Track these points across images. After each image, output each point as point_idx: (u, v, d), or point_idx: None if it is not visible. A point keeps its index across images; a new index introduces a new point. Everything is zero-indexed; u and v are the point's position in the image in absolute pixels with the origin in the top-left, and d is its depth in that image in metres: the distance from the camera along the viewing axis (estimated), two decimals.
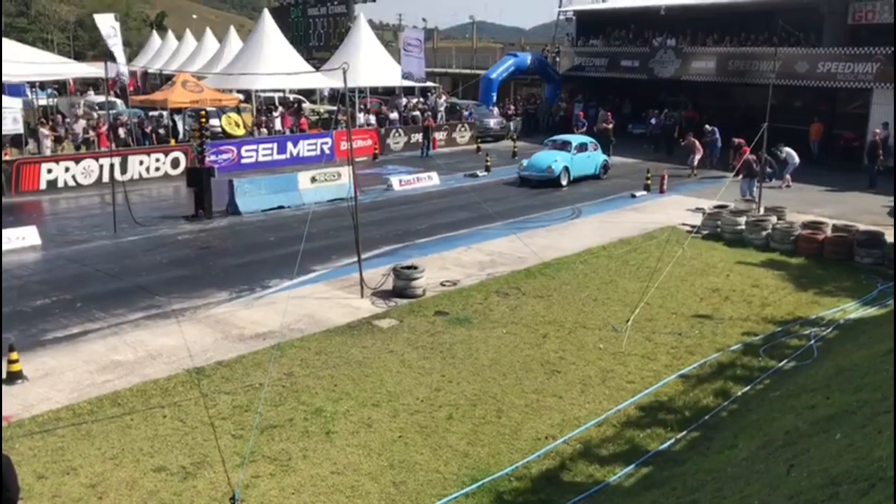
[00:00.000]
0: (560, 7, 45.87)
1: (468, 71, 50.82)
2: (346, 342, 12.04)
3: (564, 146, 26.32)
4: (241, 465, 8.25)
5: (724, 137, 28.29)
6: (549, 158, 25.51)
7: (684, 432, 9.28)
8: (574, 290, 14.59)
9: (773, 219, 18.59)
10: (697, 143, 27.88)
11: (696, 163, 27.68)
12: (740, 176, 22.35)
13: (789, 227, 17.96)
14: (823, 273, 15.98)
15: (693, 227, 18.88)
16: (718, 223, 18.96)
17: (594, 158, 26.75)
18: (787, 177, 25.08)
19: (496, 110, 40.03)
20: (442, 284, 14.86)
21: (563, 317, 13.23)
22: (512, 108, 42.26)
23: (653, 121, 34.14)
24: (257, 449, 8.63)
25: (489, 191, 24.78)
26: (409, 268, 14.49)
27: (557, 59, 44.44)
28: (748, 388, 10.55)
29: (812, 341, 12.10)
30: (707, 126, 29.75)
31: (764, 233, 18.04)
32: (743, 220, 18.62)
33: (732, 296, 14.51)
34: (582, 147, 26.40)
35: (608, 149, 31.73)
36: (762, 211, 19.95)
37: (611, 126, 31.74)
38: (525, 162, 26.12)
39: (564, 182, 25.26)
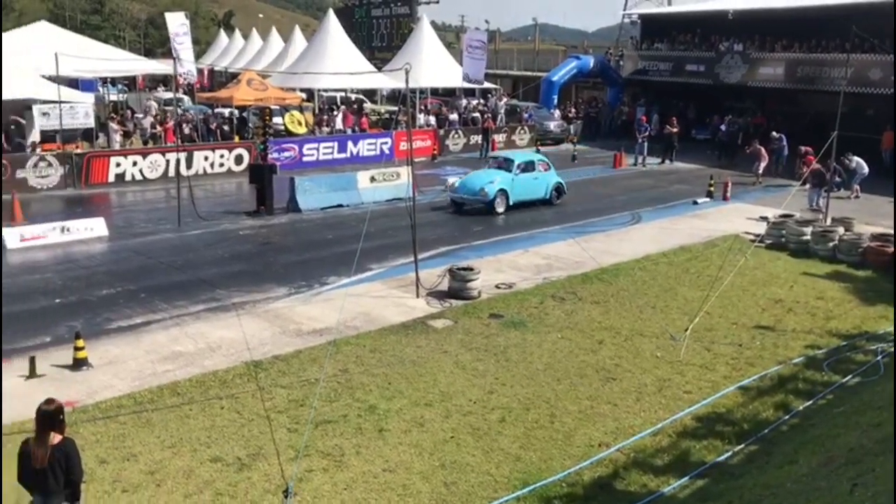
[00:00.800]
0: (625, 10, 45.44)
1: (529, 73, 50.64)
2: (400, 341, 12.09)
3: (506, 165, 22.26)
4: (296, 458, 8.35)
5: (790, 145, 27.60)
6: (484, 179, 21.68)
7: (742, 445, 9.07)
8: (632, 296, 14.39)
9: (841, 230, 18.05)
10: (763, 150, 27.26)
11: (761, 170, 27.06)
12: (808, 185, 21.76)
13: (857, 238, 17.42)
14: (891, 287, 15.44)
15: (757, 235, 18.44)
16: (783, 233, 18.49)
17: (544, 180, 22.56)
18: (856, 187, 24.34)
19: (557, 113, 39.79)
20: (497, 287, 14.82)
21: (620, 323, 13.07)
22: (573, 110, 41.97)
23: (722, 127, 33.41)
24: (311, 443, 8.73)
25: None
26: (464, 269, 14.49)
27: (620, 62, 43.97)
28: (810, 402, 10.25)
29: (878, 357, 11.69)
30: (774, 133, 29.09)
31: (830, 244, 17.53)
32: (809, 230, 18.11)
33: (796, 307, 14.13)
34: (528, 167, 22.24)
35: (671, 154, 31.35)
36: (829, 221, 19.39)
37: (675, 131, 31.25)
38: (457, 182, 22.33)
39: (501, 208, 21.29)
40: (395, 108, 39.28)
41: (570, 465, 8.52)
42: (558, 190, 22.96)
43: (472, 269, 14.44)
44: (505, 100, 40.72)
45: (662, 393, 10.47)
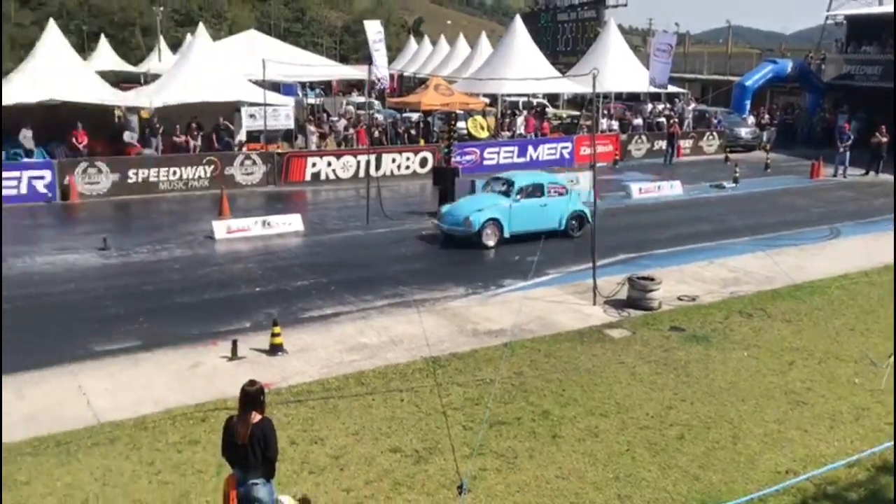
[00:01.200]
0: (829, 11, 42.46)
1: (720, 77, 48.49)
2: (575, 348, 12.02)
3: (505, 189, 18.68)
4: (470, 456, 8.53)
5: None
6: (472, 206, 18.31)
7: None
8: (828, 316, 13.45)
9: None
10: None
11: None
12: None
13: None
14: None
15: None
16: None
17: (556, 208, 18.77)
18: None
19: (750, 119, 37.91)
20: (679, 299, 14.35)
21: (814, 345, 12.25)
22: (766, 116, 39.77)
23: None
24: (485, 443, 8.88)
25: (736, 203, 23.53)
26: (645, 278, 14.15)
27: (822, 66, 41.18)
28: None
29: None
30: None
31: None
32: None
33: None
34: (534, 191, 18.57)
35: (878, 165, 28.95)
36: None
37: (884, 140, 28.79)
38: (444, 209, 19.18)
39: (491, 242, 17.93)
40: (577, 113, 39.01)
41: (752, 490, 8.11)
42: (578, 219, 19.11)
43: (652, 279, 14.08)
44: (693, 104, 39.32)
45: (860, 422, 9.72)
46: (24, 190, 21.97)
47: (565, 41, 50.65)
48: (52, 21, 26.87)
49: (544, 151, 30.54)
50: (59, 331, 12.37)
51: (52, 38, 25.77)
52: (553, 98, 44.49)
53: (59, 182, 22.34)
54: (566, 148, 31.05)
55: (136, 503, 7.63)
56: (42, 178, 22.22)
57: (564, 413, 9.78)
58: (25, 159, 23.27)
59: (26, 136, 23.79)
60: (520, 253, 17.21)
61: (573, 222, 19.07)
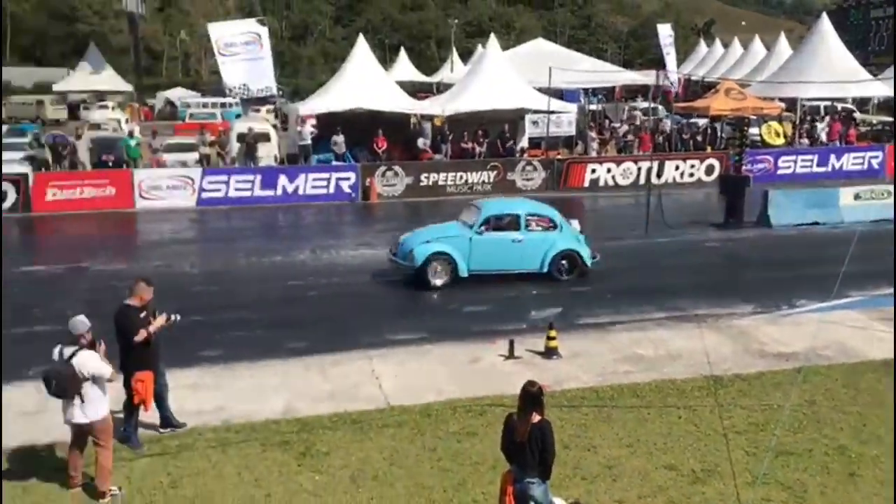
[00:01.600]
0: None
1: None
2: (880, 380, 10.78)
3: (473, 218, 15.54)
4: (753, 484, 8.01)
5: None
6: (421, 237, 15.38)
7: None
8: None
9: None
10: None
11: None
12: None
13: None
14: None
15: None
16: None
17: (536, 245, 15.34)
18: None
19: None
20: None
21: None
22: None
23: None
24: (770, 472, 8.28)
25: None
26: None
27: None
28: None
29: None
30: None
31: None
32: None
33: None
34: (508, 223, 15.42)
35: None
36: None
37: None
38: (402, 238, 15.89)
39: (438, 281, 14.95)
40: (891, 119, 35.02)
41: None
42: (569, 260, 15.55)
43: None
44: None
45: None
46: (331, 190, 24.48)
47: (879, 39, 45.88)
48: (360, 37, 29.59)
49: (849, 161, 27.86)
50: (357, 318, 13.59)
51: (361, 52, 28.42)
52: (862, 102, 40.38)
53: (362, 183, 24.55)
54: (875, 158, 28.05)
55: (418, 486, 8.14)
56: (348, 179, 24.60)
57: (864, 451, 8.82)
58: (335, 162, 25.90)
59: (337, 142, 26.47)
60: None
61: (562, 263, 15.50)
